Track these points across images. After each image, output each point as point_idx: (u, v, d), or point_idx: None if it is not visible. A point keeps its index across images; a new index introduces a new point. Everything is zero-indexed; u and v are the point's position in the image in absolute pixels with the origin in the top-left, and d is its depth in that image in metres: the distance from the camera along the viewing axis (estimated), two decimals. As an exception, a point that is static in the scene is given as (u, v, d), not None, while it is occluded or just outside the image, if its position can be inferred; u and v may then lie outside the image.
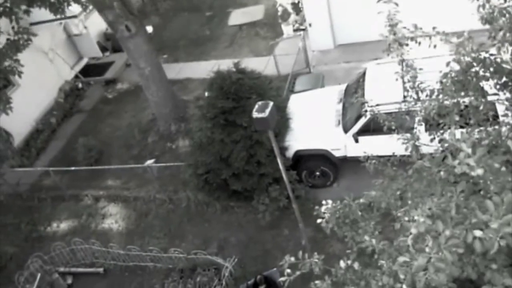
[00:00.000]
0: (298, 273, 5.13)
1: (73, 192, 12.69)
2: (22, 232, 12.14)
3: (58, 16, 14.10)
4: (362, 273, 5.08)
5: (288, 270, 5.31)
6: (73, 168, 12.41)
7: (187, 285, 9.37)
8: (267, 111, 6.47)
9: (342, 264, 5.14)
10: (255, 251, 10.04)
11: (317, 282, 5.07)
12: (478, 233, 2.92)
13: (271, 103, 6.61)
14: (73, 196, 12.60)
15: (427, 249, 3.04)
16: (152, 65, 12.48)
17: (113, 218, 11.84)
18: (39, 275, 10.23)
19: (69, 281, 10.63)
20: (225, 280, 9.05)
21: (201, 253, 9.56)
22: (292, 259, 5.50)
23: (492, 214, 2.79)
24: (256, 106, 6.65)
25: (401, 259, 3.60)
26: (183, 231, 10.98)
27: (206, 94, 10.14)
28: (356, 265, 5.11)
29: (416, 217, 3.20)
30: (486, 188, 3.27)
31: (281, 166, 7.36)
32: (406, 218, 4.88)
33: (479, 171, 3.02)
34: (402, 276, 3.60)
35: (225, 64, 10.40)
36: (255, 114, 6.55)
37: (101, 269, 10.52)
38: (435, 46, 4.86)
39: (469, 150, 3.06)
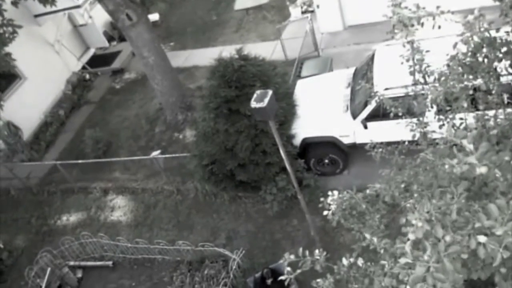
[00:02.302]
0: (298, 271, 4.91)
1: (82, 184, 12.63)
2: (33, 226, 12.16)
3: (62, 7, 14.00)
4: (367, 270, 4.82)
5: (288, 268, 5.12)
6: (80, 161, 12.32)
7: (195, 278, 9.23)
8: (266, 100, 6.16)
9: (344, 261, 4.87)
10: (264, 241, 9.84)
11: (318, 280, 4.85)
12: (482, 238, 2.61)
13: (270, 92, 6.29)
14: (82, 189, 12.55)
15: (425, 257, 2.74)
16: (156, 54, 12.22)
17: (122, 210, 11.75)
18: (49, 270, 10.22)
19: (79, 274, 10.61)
20: (232, 273, 8.88)
21: (208, 245, 9.39)
22: (292, 257, 5.29)
23: (497, 219, 2.47)
24: (255, 96, 6.34)
25: (402, 260, 3.32)
26: (191, 222, 10.83)
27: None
28: (360, 262, 4.84)
29: (413, 221, 2.90)
30: (492, 187, 2.94)
31: (284, 157, 7.07)
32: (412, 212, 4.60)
33: (483, 170, 2.69)
34: (405, 279, 3.34)
35: (232, 50, 10.03)
36: (254, 104, 6.24)
37: (110, 262, 10.46)
38: (439, 27, 4.49)
39: (471, 147, 2.73)
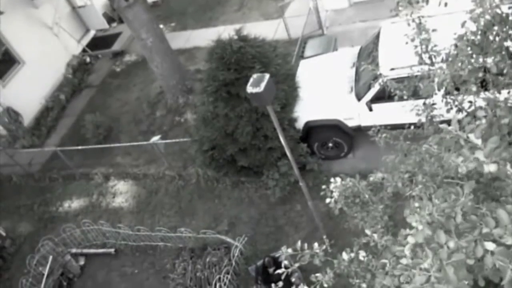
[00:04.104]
0: (296, 265, 4.69)
1: (83, 170, 12.46)
2: (35, 213, 12.05)
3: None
4: (368, 264, 4.57)
5: (286, 262, 4.91)
6: (80, 147, 12.13)
7: (197, 265, 9.07)
8: (263, 85, 5.84)
9: (345, 256, 4.62)
10: (267, 227, 9.63)
11: (317, 274, 4.62)
12: (490, 246, 2.32)
13: (267, 76, 5.97)
14: (83, 175, 12.39)
15: (425, 265, 2.47)
16: (155, 35, 11.85)
17: (124, 196, 11.58)
18: (51, 258, 10.14)
19: (82, 262, 10.52)
20: (235, 260, 8.70)
21: (210, 232, 9.20)
22: (290, 250, 5.09)
23: (507, 226, 2.17)
24: (251, 80, 6.02)
25: (404, 261, 3.06)
26: (193, 208, 10.65)
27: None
28: (361, 255, 4.58)
29: (413, 223, 2.61)
30: (505, 185, 2.64)
31: (284, 144, 6.77)
32: (417, 204, 4.32)
33: (492, 168, 2.39)
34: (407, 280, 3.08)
35: (234, 30, 9.64)
36: (250, 89, 5.93)
37: (112, 250, 10.35)
38: (445, 4, 4.12)
39: (479, 142, 2.42)
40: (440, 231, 2.45)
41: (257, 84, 5.85)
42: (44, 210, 12.05)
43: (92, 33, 16.94)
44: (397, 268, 3.16)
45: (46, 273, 9.96)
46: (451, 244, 2.42)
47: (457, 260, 2.36)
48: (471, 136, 2.43)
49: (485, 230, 2.35)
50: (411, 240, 2.60)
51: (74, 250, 10.53)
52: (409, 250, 2.64)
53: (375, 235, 4.01)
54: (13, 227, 11.90)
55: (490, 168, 2.39)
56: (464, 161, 2.38)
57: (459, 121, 4.30)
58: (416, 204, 4.33)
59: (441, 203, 2.53)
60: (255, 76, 6.04)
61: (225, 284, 8.38)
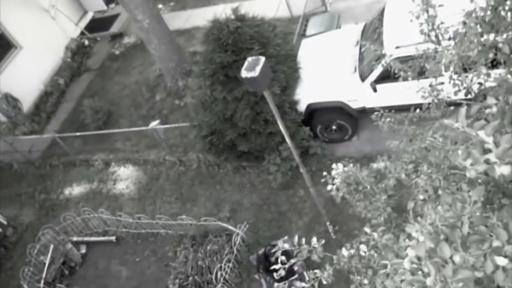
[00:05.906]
0: (293, 261, 4.45)
1: (83, 157, 12.26)
2: (36, 201, 11.91)
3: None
4: (370, 260, 4.31)
5: (283, 257, 4.66)
6: (78, 133, 11.89)
7: (198, 253, 8.87)
8: (258, 69, 5.48)
9: (344, 252, 4.36)
10: (269, 213, 9.38)
11: (316, 271, 4.37)
12: (502, 261, 2.01)
13: (262, 59, 5.60)
14: (83, 161, 12.19)
15: (428, 282, 2.17)
16: (151, 16, 11.43)
17: (124, 182, 11.37)
18: (52, 246, 10.01)
19: (83, 250, 10.38)
20: (236, 248, 8.48)
21: (211, 219, 8.96)
22: (286, 246, 4.86)
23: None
24: (246, 64, 5.67)
25: (405, 265, 2.77)
26: (195, 194, 10.42)
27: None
28: (362, 251, 4.31)
29: (414, 234, 2.30)
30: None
31: (283, 130, 6.45)
32: (421, 197, 4.03)
33: (505, 170, 2.06)
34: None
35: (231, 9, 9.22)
36: (244, 74, 5.58)
37: (113, 238, 10.19)
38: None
39: (490, 140, 2.09)
40: (444, 244, 2.14)
41: (252, 68, 5.50)
42: (45, 197, 11.90)
43: (90, 15, 16.52)
44: (398, 272, 2.89)
45: (47, 262, 9.85)
46: (457, 259, 2.11)
47: (464, 278, 2.05)
48: (481, 134, 2.09)
49: (495, 244, 2.03)
50: (411, 252, 2.29)
51: (75, 238, 10.40)
52: (409, 263, 2.34)
53: (375, 234, 3.71)
54: (15, 215, 11.78)
55: (503, 170, 2.06)
56: (473, 164, 2.06)
57: (468, 105, 3.96)
58: (421, 197, 4.04)
59: (446, 211, 2.21)
60: (250, 59, 5.69)
61: (226, 273, 8.20)
